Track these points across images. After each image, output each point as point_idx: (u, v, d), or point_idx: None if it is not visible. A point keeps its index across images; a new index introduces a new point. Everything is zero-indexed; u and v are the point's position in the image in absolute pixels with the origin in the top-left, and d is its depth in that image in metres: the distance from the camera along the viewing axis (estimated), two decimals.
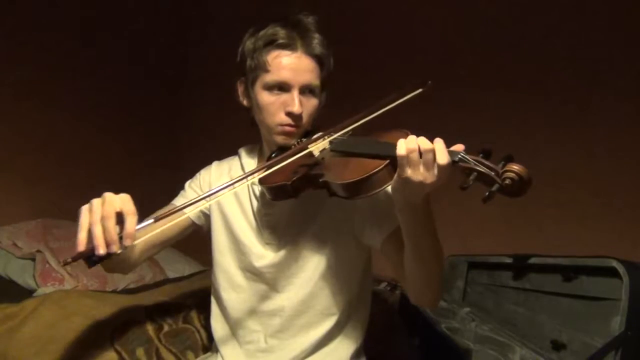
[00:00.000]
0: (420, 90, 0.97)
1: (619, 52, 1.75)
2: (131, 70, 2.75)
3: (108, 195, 0.81)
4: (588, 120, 1.81)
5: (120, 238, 0.78)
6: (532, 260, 1.34)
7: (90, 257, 0.78)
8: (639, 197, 1.71)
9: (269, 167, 0.94)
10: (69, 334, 1.29)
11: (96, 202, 0.80)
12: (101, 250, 0.76)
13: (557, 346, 1.23)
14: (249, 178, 0.97)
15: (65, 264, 0.79)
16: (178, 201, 1.20)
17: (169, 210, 0.90)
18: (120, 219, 0.79)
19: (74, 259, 0.78)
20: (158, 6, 2.85)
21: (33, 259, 1.97)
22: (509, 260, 1.41)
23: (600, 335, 1.14)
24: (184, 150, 2.96)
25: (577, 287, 1.23)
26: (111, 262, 1.02)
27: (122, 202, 0.80)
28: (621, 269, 1.12)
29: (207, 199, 0.94)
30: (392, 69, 2.17)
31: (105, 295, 1.63)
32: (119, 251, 0.77)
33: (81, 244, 0.77)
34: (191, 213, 1.16)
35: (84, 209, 0.80)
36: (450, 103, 2.04)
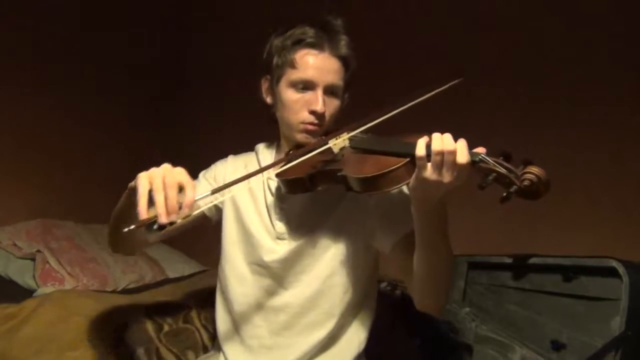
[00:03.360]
0: (454, 82, 1.00)
1: (621, 53, 1.75)
2: (131, 70, 2.75)
3: (167, 165, 0.82)
4: (588, 121, 1.81)
5: (179, 208, 0.78)
6: (532, 260, 1.34)
7: (150, 225, 0.78)
8: (638, 197, 1.71)
9: (289, 161, 0.95)
10: (69, 334, 1.29)
11: (156, 171, 0.81)
12: (164, 219, 0.77)
13: (557, 346, 1.23)
14: (270, 171, 0.98)
15: (128, 230, 0.79)
16: None
17: (224, 184, 0.91)
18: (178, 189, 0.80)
19: (137, 226, 0.78)
20: (158, 5, 2.85)
21: (33, 259, 1.98)
22: (509, 260, 1.41)
23: (600, 335, 1.14)
24: (183, 150, 2.96)
25: (577, 287, 1.23)
26: (132, 237, 1.06)
27: (180, 173, 0.82)
28: (621, 269, 1.12)
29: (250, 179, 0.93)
30: (406, 70, 2.17)
31: (105, 295, 1.63)
32: (178, 220, 0.78)
33: (143, 212, 0.78)
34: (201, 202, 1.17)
35: (143, 176, 0.81)
36: (452, 106, 2.03)
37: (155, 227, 0.77)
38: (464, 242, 1.80)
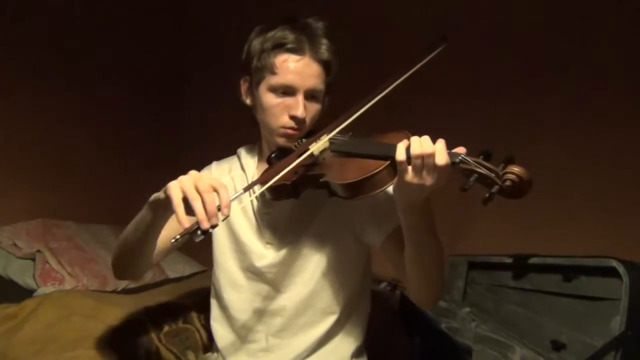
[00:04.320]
0: (441, 47, 0.99)
1: (620, 53, 1.75)
2: (130, 71, 2.75)
3: (194, 172, 0.83)
4: (588, 121, 1.81)
5: (218, 210, 0.79)
6: (532, 260, 1.34)
7: (194, 232, 0.78)
8: (638, 197, 1.71)
9: (274, 174, 0.92)
10: (69, 334, 1.29)
11: (186, 179, 0.81)
12: (206, 224, 0.77)
13: (557, 346, 1.23)
14: (254, 175, 0.98)
15: (175, 240, 0.80)
16: None
17: (255, 180, 0.91)
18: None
19: (182, 235, 0.79)
20: (158, 8, 2.85)
21: (33, 259, 1.97)
22: (509, 260, 1.41)
23: (600, 335, 1.14)
24: (183, 150, 2.96)
25: (577, 287, 1.23)
26: (134, 260, 1.06)
27: (209, 177, 0.81)
28: (621, 269, 1.12)
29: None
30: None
31: (105, 295, 1.63)
32: (219, 223, 0.78)
33: (185, 221, 0.78)
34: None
35: (173, 185, 0.81)
36: (450, 106, 2.04)
37: (199, 232, 0.77)
38: (464, 242, 1.81)
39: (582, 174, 1.81)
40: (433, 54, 1.00)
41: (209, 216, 0.77)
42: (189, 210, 0.79)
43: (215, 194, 0.79)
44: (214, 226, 0.77)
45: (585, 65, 1.81)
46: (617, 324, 1.11)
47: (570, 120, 1.84)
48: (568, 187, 1.82)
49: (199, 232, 0.77)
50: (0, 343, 1.28)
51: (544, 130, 1.89)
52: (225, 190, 0.80)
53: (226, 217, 0.79)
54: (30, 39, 2.31)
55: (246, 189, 0.88)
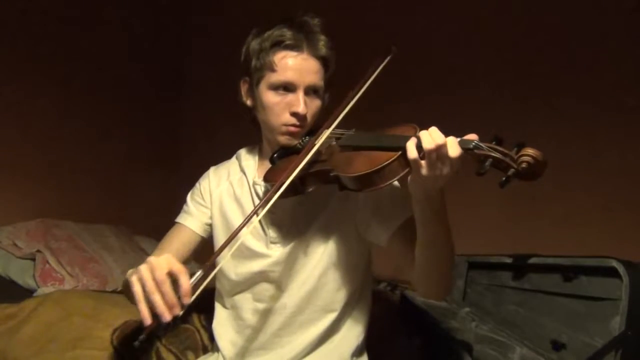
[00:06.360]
0: (389, 57, 1.00)
1: (622, 51, 1.75)
2: (131, 71, 2.76)
3: (152, 259, 0.82)
4: (589, 121, 1.81)
5: (178, 298, 0.78)
6: (532, 260, 1.34)
7: (158, 327, 0.78)
8: (639, 197, 1.71)
9: (284, 175, 0.93)
10: (69, 334, 1.29)
11: (144, 269, 0.81)
12: (167, 316, 0.77)
13: (557, 346, 1.22)
14: (256, 175, 0.99)
15: (139, 342, 0.80)
16: (182, 218, 1.21)
17: (213, 255, 0.90)
18: (170, 279, 0.80)
19: (147, 335, 0.79)
20: (158, 6, 2.85)
21: (33, 259, 1.98)
22: (509, 260, 1.41)
23: (600, 335, 1.13)
24: (182, 150, 2.96)
25: (577, 287, 1.23)
26: None
27: (168, 262, 0.81)
28: (621, 269, 1.12)
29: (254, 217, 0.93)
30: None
31: (105, 295, 1.63)
32: (181, 312, 0.78)
33: (147, 318, 0.78)
34: (197, 228, 1.18)
35: (134, 279, 0.81)
36: (452, 103, 2.04)
37: (162, 325, 0.78)
38: (464, 242, 1.81)
39: (583, 174, 1.81)
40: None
41: (169, 308, 0.77)
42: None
43: (177, 279, 0.79)
44: (175, 317, 0.78)
45: (590, 65, 1.81)
46: (617, 324, 1.10)
47: (572, 120, 1.84)
48: (569, 187, 1.82)
49: (161, 324, 0.77)
50: (0, 343, 1.28)
51: (546, 129, 1.89)
52: (184, 276, 0.80)
53: (186, 306, 0.79)
54: (29, 41, 2.31)
55: (205, 268, 0.87)
